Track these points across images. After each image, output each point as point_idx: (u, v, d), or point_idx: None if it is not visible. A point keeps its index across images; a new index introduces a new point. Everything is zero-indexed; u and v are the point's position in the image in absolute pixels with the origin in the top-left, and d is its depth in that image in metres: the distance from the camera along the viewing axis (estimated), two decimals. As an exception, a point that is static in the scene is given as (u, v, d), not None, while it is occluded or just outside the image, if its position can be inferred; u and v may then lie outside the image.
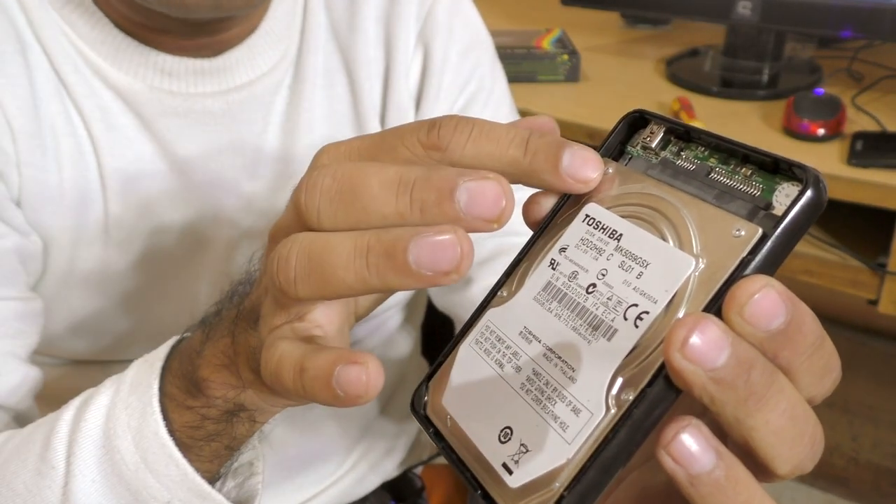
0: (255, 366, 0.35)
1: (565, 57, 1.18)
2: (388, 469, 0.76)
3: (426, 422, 0.30)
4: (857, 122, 1.00)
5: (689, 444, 0.22)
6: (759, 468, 0.23)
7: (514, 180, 0.27)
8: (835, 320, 1.62)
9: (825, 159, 0.92)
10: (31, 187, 0.53)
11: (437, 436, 0.29)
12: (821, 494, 1.52)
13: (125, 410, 0.39)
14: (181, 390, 0.38)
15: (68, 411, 0.41)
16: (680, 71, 1.18)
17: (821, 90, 1.01)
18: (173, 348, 0.40)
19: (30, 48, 0.52)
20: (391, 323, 0.74)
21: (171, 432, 0.38)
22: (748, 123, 1.03)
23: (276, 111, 0.59)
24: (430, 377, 0.31)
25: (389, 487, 0.77)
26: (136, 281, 0.58)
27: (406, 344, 0.77)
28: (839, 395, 1.60)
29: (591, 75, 1.20)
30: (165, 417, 0.38)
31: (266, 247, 0.34)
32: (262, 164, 0.59)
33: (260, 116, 0.58)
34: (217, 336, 0.37)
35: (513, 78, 1.19)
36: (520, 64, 1.18)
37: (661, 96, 1.10)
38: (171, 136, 0.56)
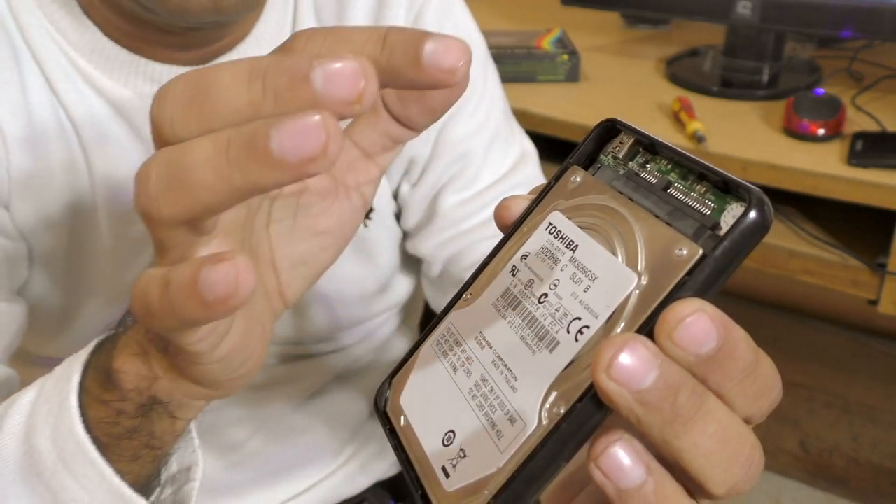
0: (163, 347, 0.33)
1: (565, 57, 1.18)
2: (381, 470, 0.76)
3: (384, 418, 0.30)
4: (857, 122, 1.00)
5: (620, 457, 0.22)
6: (696, 488, 0.23)
7: (380, 85, 0.24)
8: (835, 320, 1.62)
9: (825, 159, 0.92)
10: (22, 192, 0.53)
11: (392, 433, 0.29)
12: (821, 494, 1.52)
13: (45, 405, 0.36)
14: (97, 383, 0.36)
15: None
16: (680, 71, 1.18)
17: (821, 90, 1.01)
18: (103, 341, 0.38)
19: (21, 52, 0.52)
20: (386, 328, 0.74)
21: (88, 429, 0.35)
22: (748, 123, 1.03)
23: None
24: (394, 374, 0.31)
25: (389, 487, 0.77)
26: (129, 285, 0.58)
27: (403, 346, 0.77)
28: (839, 395, 1.60)
29: (591, 75, 1.20)
30: (83, 413, 0.35)
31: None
32: None
33: None
34: (132, 324, 0.35)
35: (513, 78, 1.19)
36: (520, 64, 1.18)
37: (661, 96, 1.10)
38: None
